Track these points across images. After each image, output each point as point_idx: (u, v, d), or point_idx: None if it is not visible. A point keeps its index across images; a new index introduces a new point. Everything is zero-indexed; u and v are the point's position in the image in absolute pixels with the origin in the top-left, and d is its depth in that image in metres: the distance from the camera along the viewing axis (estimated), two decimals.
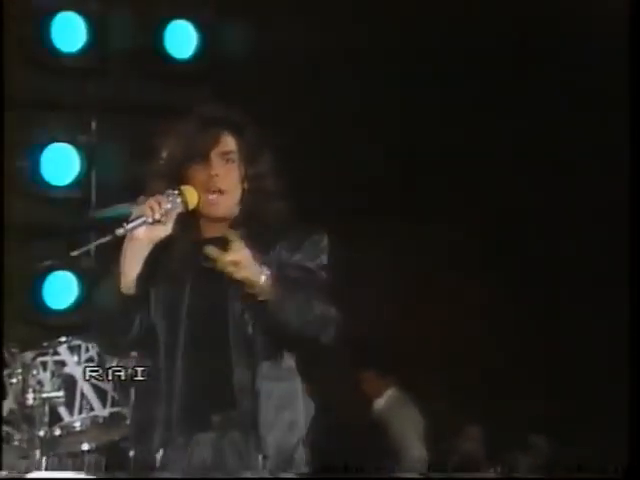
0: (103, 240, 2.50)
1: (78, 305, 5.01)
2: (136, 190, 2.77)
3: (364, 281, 5.70)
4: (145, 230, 2.53)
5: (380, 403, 5.19)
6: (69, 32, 4.99)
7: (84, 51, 4.98)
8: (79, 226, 5.02)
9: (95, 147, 5.15)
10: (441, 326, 6.03)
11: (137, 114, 5.10)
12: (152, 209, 2.51)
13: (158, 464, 2.69)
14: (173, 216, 2.54)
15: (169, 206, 2.52)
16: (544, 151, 6.16)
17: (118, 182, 5.01)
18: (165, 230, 2.55)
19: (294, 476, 2.76)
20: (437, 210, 6.05)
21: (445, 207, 6.14)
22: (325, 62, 5.58)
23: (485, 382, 6.16)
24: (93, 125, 5.16)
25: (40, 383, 3.85)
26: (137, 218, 2.52)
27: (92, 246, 2.55)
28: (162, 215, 2.52)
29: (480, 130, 5.93)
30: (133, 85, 5.21)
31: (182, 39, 5.22)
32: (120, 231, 2.49)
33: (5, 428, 3.86)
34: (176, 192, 2.54)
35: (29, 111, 5.08)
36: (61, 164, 5.10)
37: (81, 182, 5.11)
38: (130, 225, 2.51)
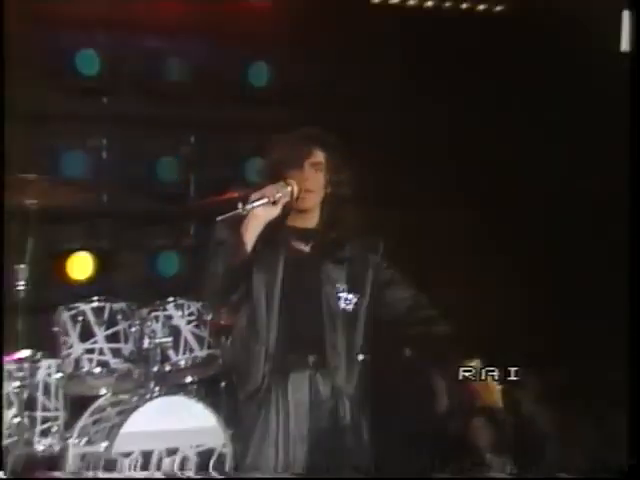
0: (236, 212, 2.92)
1: (182, 273, 5.69)
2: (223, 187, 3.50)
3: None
4: (263, 209, 2.94)
5: None
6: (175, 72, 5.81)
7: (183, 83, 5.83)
8: (181, 214, 5.82)
9: (193, 156, 5.89)
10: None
11: (225, 131, 5.85)
12: (272, 193, 2.94)
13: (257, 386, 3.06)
14: (282, 202, 2.97)
15: (281, 194, 2.95)
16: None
17: (210, 181, 5.73)
18: (276, 211, 2.96)
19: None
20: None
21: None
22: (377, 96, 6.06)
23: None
24: (192, 139, 5.95)
25: (153, 332, 4.46)
26: (260, 198, 2.94)
27: (231, 215, 2.94)
28: (277, 199, 2.94)
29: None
30: (222, 108, 5.88)
31: (259, 73, 5.96)
32: (248, 207, 2.92)
33: (128, 365, 4.45)
34: (285, 184, 2.99)
35: (146, 130, 5.90)
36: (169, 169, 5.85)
37: (184, 182, 5.82)
38: (255, 203, 2.92)
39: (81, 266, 5.56)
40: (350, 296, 3.16)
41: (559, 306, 6.25)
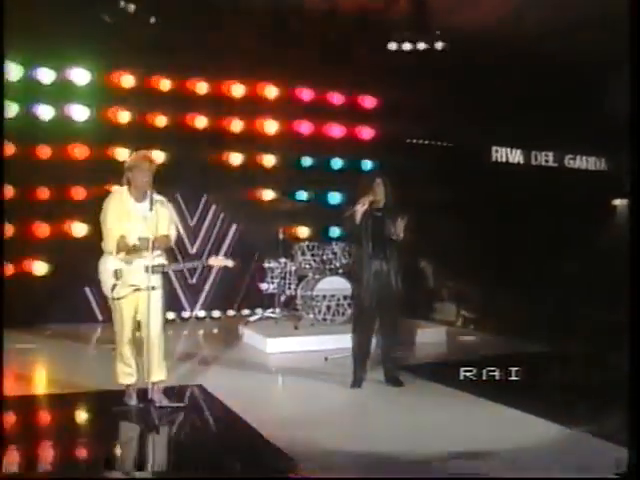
0: (353, 209, 7.05)
1: (341, 235, 12.38)
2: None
3: None
4: (360, 207, 7.03)
5: None
6: None
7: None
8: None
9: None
10: None
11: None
12: (363, 200, 7.01)
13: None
14: (367, 203, 7.09)
15: (367, 200, 7.06)
16: None
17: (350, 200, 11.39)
18: (365, 207, 7.04)
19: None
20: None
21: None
22: None
23: None
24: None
25: (327, 253, 10.63)
26: (359, 203, 7.02)
27: (351, 210, 7.12)
28: (365, 202, 7.04)
29: None
30: None
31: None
32: (356, 207, 7.05)
33: (318, 265, 10.55)
34: (368, 195, 7.09)
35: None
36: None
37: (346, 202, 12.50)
38: (358, 206, 7.04)
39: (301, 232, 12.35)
40: (393, 233, 7.09)
41: None
